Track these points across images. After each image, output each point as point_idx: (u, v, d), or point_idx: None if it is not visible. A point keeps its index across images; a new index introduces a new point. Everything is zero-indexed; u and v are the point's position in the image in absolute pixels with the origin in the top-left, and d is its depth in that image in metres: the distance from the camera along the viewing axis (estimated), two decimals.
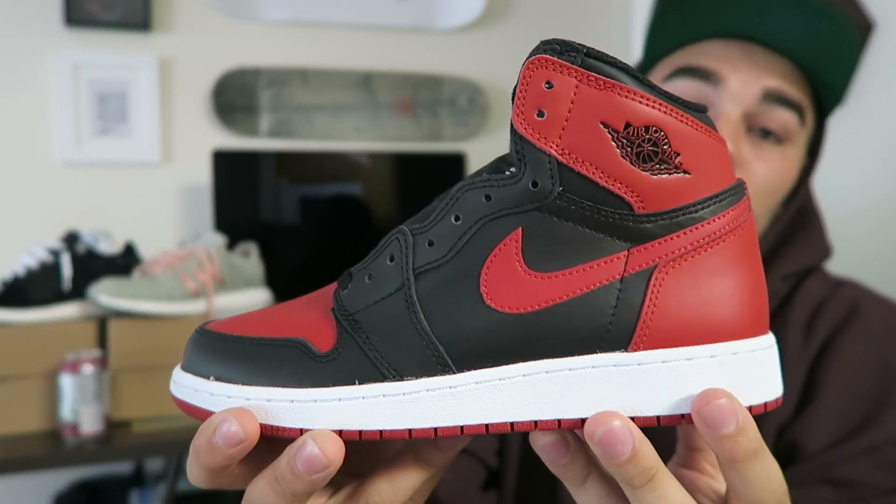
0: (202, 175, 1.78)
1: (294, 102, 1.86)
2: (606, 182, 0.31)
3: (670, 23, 0.69)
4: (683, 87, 0.65)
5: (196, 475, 0.34)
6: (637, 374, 0.31)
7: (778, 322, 0.68)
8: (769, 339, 0.33)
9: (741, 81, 0.64)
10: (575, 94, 0.31)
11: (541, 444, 0.32)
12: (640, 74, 0.31)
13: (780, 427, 0.66)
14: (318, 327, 0.34)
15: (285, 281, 1.64)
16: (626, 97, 0.30)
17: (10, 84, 1.67)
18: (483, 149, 1.99)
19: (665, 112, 0.31)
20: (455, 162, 1.87)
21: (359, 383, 0.32)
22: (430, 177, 1.86)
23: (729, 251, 0.32)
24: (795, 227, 0.72)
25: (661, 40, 0.70)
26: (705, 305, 0.31)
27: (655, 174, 0.31)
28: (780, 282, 0.69)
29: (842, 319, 0.69)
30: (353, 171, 1.80)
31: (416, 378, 0.32)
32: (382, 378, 0.32)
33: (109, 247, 1.40)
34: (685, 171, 0.31)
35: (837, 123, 0.77)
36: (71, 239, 1.36)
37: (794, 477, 0.60)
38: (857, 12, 0.66)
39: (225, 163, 1.69)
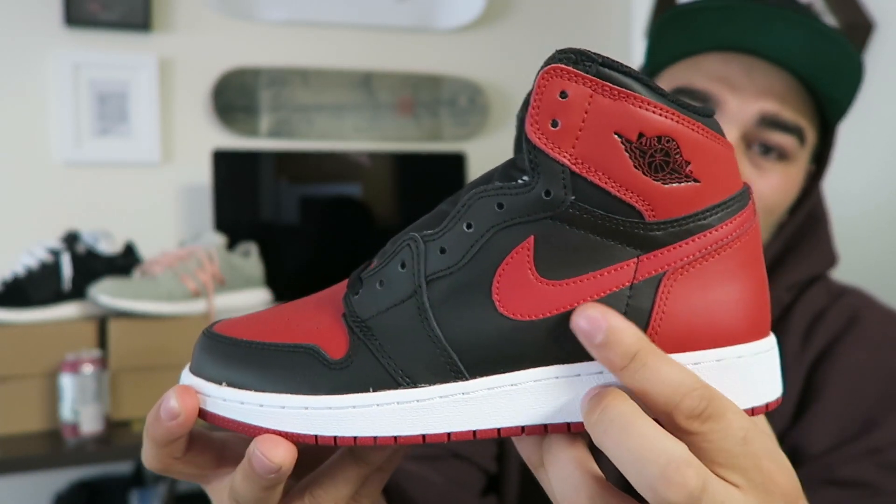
0: (202, 175, 1.78)
1: (294, 102, 1.86)
2: (619, 192, 0.31)
3: (672, 35, 0.69)
4: None
5: (146, 453, 0.36)
6: None
7: (778, 330, 0.69)
8: (770, 342, 0.34)
9: (739, 102, 0.65)
10: (589, 104, 0.31)
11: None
12: (653, 83, 0.31)
13: (780, 435, 0.66)
14: (330, 333, 0.34)
15: (285, 281, 1.64)
16: (639, 107, 0.30)
17: (10, 84, 1.67)
18: (483, 149, 1.99)
19: (677, 121, 0.31)
20: (455, 162, 1.87)
21: (373, 391, 0.32)
22: (430, 177, 1.86)
23: (735, 257, 0.32)
24: (801, 236, 0.73)
25: (663, 52, 0.70)
26: (711, 311, 0.32)
27: (667, 183, 0.31)
28: (783, 291, 0.69)
29: (841, 328, 0.69)
30: (353, 171, 1.80)
31: (430, 385, 0.32)
32: (396, 385, 0.32)
33: (109, 247, 1.40)
34: (695, 180, 0.31)
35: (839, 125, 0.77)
36: (71, 239, 1.36)
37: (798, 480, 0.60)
38: (858, 39, 0.66)
39: (225, 163, 1.69)
